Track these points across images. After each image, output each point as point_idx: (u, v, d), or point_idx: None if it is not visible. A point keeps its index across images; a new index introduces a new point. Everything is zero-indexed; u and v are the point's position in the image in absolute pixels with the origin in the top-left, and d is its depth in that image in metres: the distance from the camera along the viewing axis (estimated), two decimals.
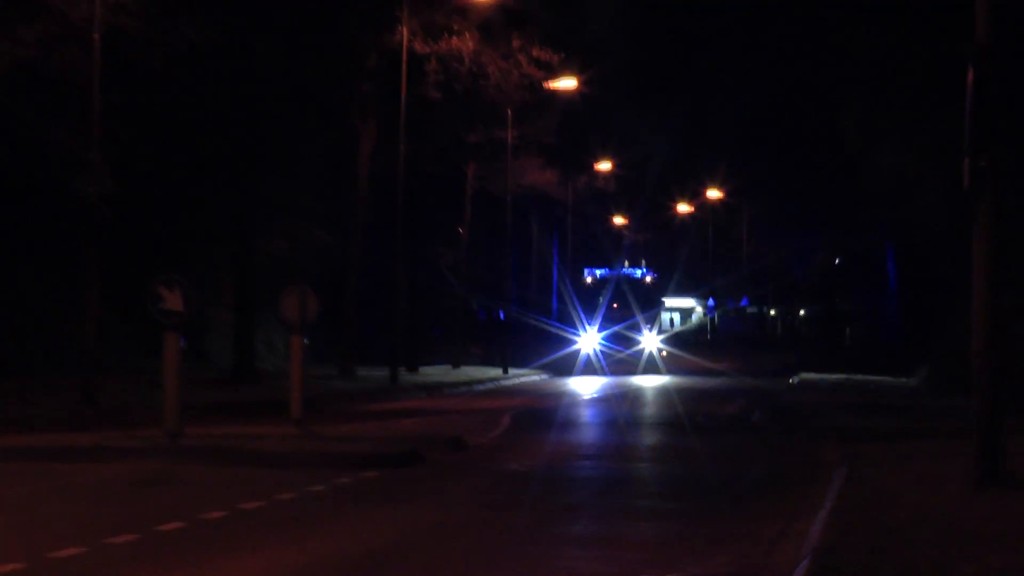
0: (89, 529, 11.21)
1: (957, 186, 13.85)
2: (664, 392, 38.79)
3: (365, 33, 37.32)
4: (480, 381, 41.23)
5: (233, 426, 20.87)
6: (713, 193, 79.75)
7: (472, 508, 13.42)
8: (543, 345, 58.66)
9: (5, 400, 23.39)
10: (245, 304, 35.18)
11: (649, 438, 22.32)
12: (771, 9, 68.85)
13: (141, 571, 9.82)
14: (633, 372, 53.06)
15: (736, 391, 39.18)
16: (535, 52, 43.54)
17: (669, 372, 53.72)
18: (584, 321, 62.19)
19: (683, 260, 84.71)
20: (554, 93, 47.87)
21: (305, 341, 20.45)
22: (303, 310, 20.07)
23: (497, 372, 46.36)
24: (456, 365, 48.51)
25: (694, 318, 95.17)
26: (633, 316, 69.92)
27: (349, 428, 21.81)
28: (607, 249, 78.86)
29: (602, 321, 66.15)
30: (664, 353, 64.57)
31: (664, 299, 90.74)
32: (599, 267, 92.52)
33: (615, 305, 75.79)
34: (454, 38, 40.49)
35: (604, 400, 34.11)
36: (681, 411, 28.89)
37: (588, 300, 70.15)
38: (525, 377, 47.12)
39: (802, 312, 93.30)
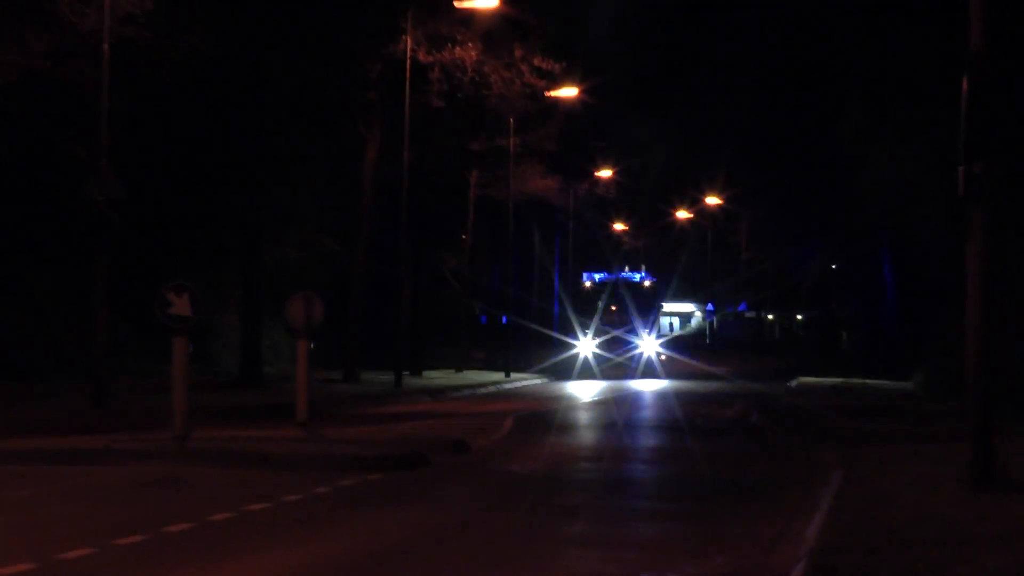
0: (97, 531, 11.25)
1: (953, 194, 13.88)
2: (663, 396, 38.92)
3: (370, 43, 37.47)
4: (482, 385, 41.44)
5: (240, 429, 20.95)
6: (712, 200, 79.82)
7: (474, 509, 13.52)
8: (544, 349, 58.93)
9: (14, 403, 23.52)
10: (252, 309, 35.39)
11: (648, 440, 22.48)
12: (771, 19, 69.25)
13: (149, 572, 9.91)
14: (632, 376, 53.19)
15: (735, 395, 39.17)
16: (537, 61, 43.68)
17: (668, 376, 53.83)
18: (583, 326, 62.36)
19: (682, 265, 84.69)
20: (556, 101, 48.12)
21: (311, 346, 20.64)
22: (309, 315, 20.23)
23: (499, 376, 46.55)
24: (459, 369, 48.76)
25: (693, 322, 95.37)
26: (632, 320, 69.94)
27: (354, 431, 21.89)
28: (607, 254, 78.90)
29: (601, 325, 66.20)
30: (663, 357, 64.67)
31: (663, 304, 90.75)
32: (598, 271, 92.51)
33: (613, 309, 75.84)
34: (457, 48, 40.65)
35: (603, 403, 34.19)
36: (680, 414, 29.04)
37: (587, 304, 70.19)
38: (527, 381, 47.31)
39: (800, 317, 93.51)
